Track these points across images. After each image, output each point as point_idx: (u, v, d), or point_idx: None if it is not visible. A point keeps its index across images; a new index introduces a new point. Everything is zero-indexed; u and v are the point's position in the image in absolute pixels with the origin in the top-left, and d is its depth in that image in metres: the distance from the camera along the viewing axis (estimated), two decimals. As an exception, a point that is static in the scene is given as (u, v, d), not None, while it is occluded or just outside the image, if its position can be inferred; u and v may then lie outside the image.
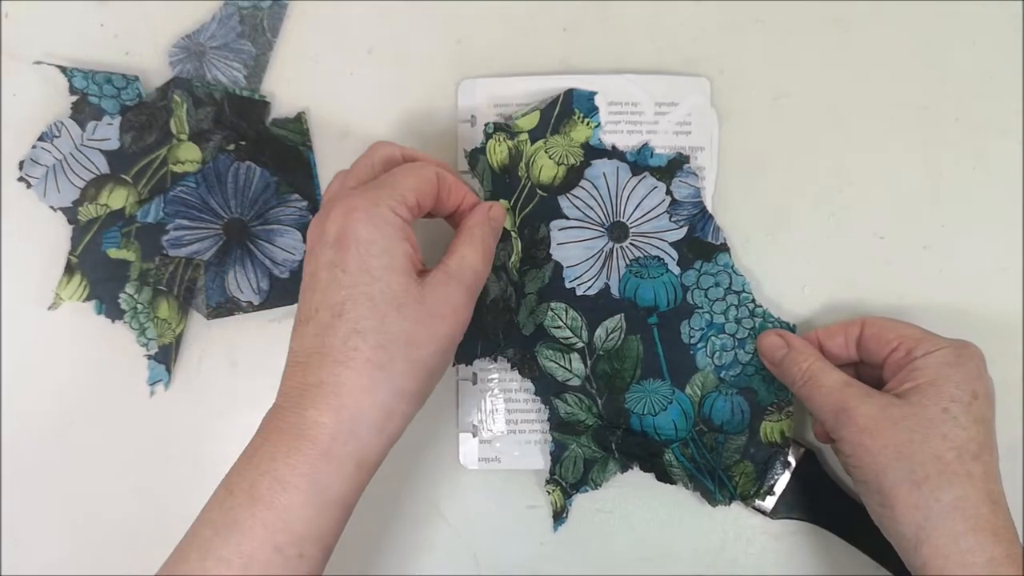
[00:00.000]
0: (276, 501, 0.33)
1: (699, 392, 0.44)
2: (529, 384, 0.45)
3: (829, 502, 0.44)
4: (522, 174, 0.45)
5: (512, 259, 0.44)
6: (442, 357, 0.37)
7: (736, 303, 0.44)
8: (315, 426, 0.34)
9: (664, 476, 0.44)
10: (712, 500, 0.44)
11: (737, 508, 0.45)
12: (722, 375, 0.44)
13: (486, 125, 0.45)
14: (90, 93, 0.46)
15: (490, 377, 0.46)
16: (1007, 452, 0.44)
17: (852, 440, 0.38)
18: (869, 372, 0.42)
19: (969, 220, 0.46)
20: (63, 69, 0.46)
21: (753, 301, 0.44)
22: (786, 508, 0.44)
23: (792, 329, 0.44)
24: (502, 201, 0.44)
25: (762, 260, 0.45)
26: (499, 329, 0.44)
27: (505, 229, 0.44)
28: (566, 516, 0.45)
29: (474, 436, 0.46)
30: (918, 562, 0.36)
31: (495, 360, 0.45)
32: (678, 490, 0.45)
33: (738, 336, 0.44)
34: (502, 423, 0.46)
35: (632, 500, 0.45)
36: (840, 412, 0.38)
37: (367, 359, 0.34)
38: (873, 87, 0.47)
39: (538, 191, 0.45)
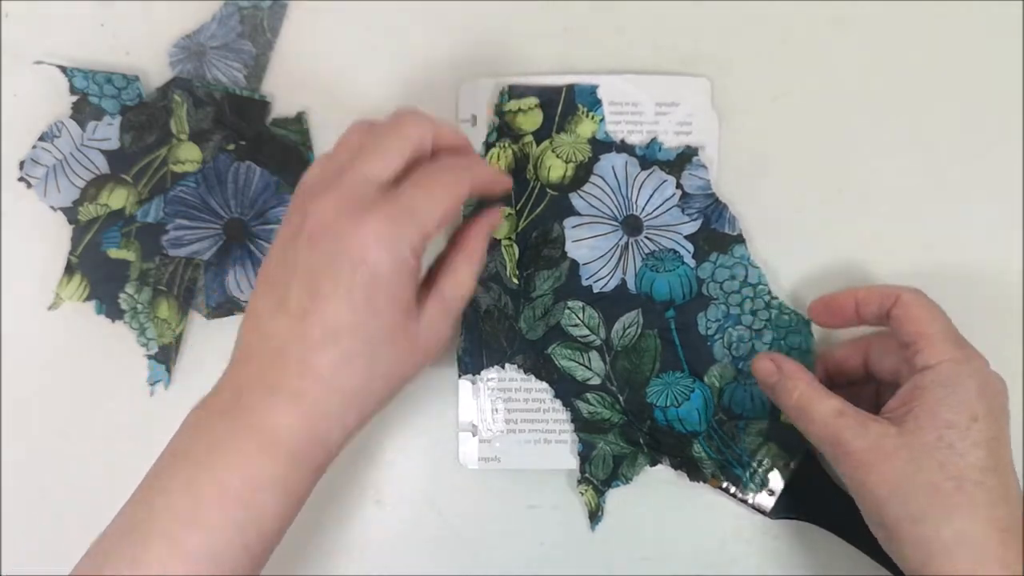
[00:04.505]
0: (252, 500, 0.33)
1: (718, 383, 0.44)
2: (529, 383, 0.45)
3: (829, 502, 0.44)
4: (530, 176, 0.45)
5: (508, 268, 0.44)
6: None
7: (752, 295, 0.45)
8: (288, 431, 0.34)
9: (696, 473, 0.44)
10: (744, 488, 0.44)
11: (737, 508, 0.45)
12: (740, 366, 0.44)
13: (489, 134, 0.45)
14: (90, 93, 0.46)
15: (490, 376, 0.46)
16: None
17: (849, 475, 0.37)
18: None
19: (969, 220, 0.46)
20: (63, 69, 0.46)
21: (769, 293, 0.45)
22: (786, 508, 0.44)
23: (807, 323, 0.44)
24: (504, 208, 0.44)
25: (762, 260, 0.45)
26: (501, 337, 0.45)
27: (496, 239, 0.44)
28: (602, 515, 0.45)
29: (474, 436, 0.46)
30: None
31: (503, 367, 0.45)
32: (678, 490, 0.45)
33: (754, 327, 0.44)
34: (502, 423, 0.46)
35: (632, 500, 0.45)
36: (835, 446, 0.37)
37: (353, 387, 0.35)
38: (873, 87, 0.47)
39: (548, 191, 0.45)
